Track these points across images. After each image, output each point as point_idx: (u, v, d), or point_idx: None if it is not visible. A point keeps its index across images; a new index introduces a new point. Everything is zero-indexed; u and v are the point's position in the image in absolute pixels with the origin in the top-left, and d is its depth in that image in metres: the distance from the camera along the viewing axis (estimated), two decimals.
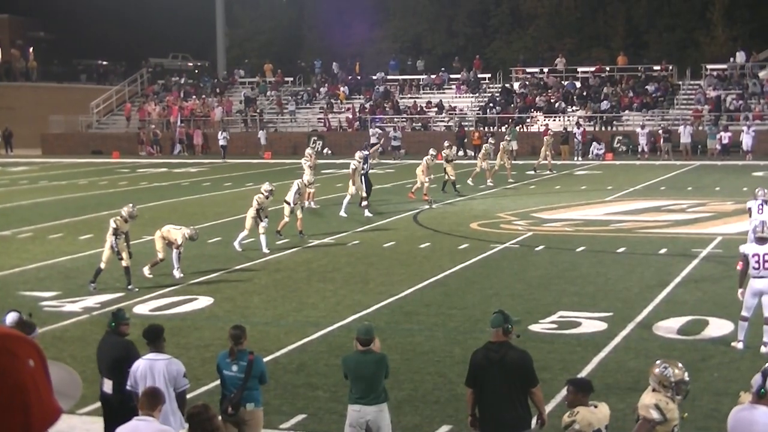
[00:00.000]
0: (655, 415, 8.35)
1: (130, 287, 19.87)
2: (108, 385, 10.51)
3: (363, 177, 32.03)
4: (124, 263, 19.83)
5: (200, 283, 20.75)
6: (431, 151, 34.82)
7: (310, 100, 65.75)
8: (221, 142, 56.87)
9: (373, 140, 55.66)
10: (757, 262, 15.06)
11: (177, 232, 20.82)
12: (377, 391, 9.89)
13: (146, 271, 20.87)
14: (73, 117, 66.91)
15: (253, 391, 10.24)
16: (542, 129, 55.87)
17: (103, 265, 20.05)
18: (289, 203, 25.99)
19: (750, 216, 20.99)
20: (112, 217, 20.72)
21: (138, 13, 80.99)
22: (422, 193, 32.98)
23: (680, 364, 8.60)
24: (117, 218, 20.05)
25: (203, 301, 19.00)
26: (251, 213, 23.85)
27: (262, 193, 24.00)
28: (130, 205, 20.80)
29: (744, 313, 15.15)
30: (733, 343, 15.19)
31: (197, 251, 23.32)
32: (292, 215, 25.98)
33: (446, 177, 35.95)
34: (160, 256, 20.80)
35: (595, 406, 8.63)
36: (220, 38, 75.72)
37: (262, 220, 23.69)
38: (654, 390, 8.46)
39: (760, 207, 20.74)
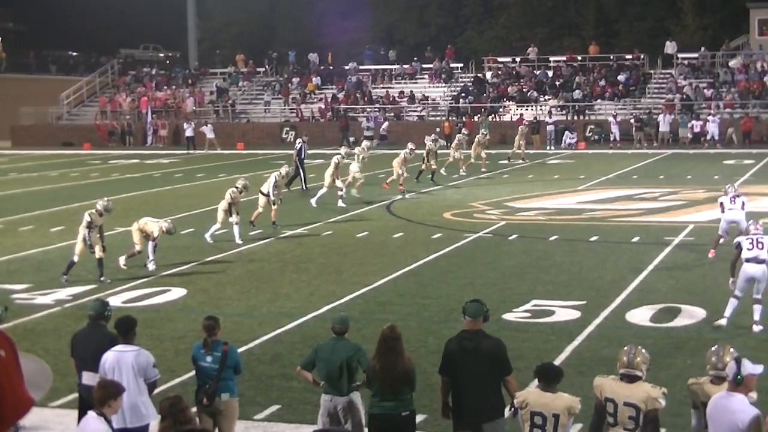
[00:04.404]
0: (664, 403, 8.34)
1: (102, 279, 19.76)
2: (89, 377, 10.35)
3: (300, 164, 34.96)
4: (96, 255, 19.72)
5: (173, 274, 20.66)
6: (410, 145, 34.84)
7: (281, 90, 65.52)
8: (188, 133, 56.72)
9: (367, 133, 55.60)
10: (751, 243, 15.33)
11: (154, 225, 20.70)
12: (349, 380, 9.89)
13: (122, 262, 20.77)
14: (44, 108, 66.44)
15: (228, 382, 10.22)
16: (515, 118, 56.03)
17: (76, 258, 19.94)
18: (266, 195, 25.92)
19: (722, 211, 21.10)
20: (86, 210, 20.57)
21: (108, 4, 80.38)
22: (397, 183, 33.02)
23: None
24: (92, 211, 19.93)
25: (177, 293, 18.93)
26: (223, 206, 23.76)
27: (236, 188, 23.91)
28: (105, 198, 20.71)
29: (737, 293, 15.43)
30: (716, 322, 15.49)
31: (170, 243, 23.20)
32: (267, 206, 25.93)
33: (423, 166, 36.06)
34: (138, 248, 20.71)
35: (554, 393, 8.52)
36: (192, 29, 75.36)
37: (232, 215, 23.62)
38: (640, 381, 8.43)
39: (732, 200, 20.92)
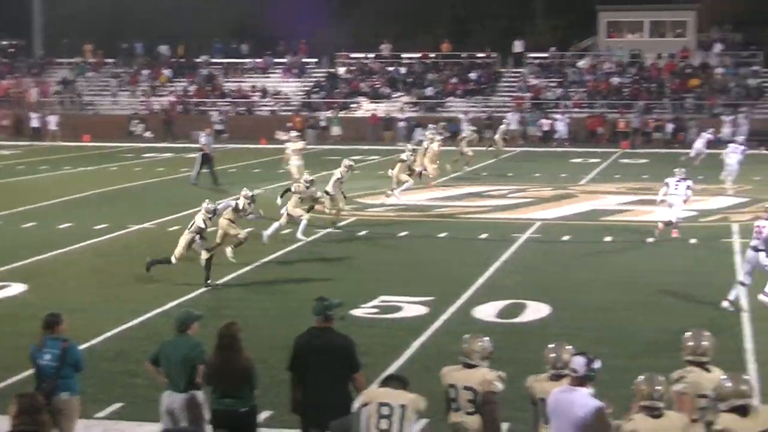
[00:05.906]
0: (501, 386, 8.62)
1: (209, 282, 18.65)
2: None
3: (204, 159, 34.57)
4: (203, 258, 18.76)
5: (13, 269, 20.00)
6: (439, 138, 35.99)
7: (130, 81, 64.34)
8: (34, 124, 55.18)
9: (217, 127, 54.79)
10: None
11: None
12: (187, 378, 9.74)
13: (229, 254, 20.34)
14: None
15: (68, 380, 9.99)
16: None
17: (174, 260, 19.05)
18: (329, 194, 25.25)
19: (667, 189, 22.96)
20: (198, 212, 19.24)
21: None
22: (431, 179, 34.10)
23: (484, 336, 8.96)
24: (207, 215, 18.91)
25: (16, 288, 18.38)
26: (293, 201, 23.13)
27: (301, 183, 23.47)
28: (208, 201, 19.70)
29: None
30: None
31: (9, 238, 22.54)
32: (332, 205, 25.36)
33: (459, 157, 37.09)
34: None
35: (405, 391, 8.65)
36: (37, 16, 73.38)
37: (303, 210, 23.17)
38: (479, 366, 8.71)
39: (677, 183, 22.91)
